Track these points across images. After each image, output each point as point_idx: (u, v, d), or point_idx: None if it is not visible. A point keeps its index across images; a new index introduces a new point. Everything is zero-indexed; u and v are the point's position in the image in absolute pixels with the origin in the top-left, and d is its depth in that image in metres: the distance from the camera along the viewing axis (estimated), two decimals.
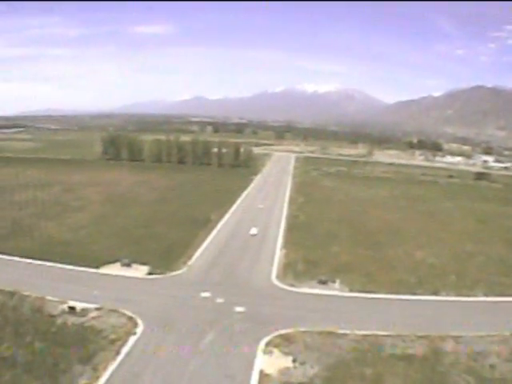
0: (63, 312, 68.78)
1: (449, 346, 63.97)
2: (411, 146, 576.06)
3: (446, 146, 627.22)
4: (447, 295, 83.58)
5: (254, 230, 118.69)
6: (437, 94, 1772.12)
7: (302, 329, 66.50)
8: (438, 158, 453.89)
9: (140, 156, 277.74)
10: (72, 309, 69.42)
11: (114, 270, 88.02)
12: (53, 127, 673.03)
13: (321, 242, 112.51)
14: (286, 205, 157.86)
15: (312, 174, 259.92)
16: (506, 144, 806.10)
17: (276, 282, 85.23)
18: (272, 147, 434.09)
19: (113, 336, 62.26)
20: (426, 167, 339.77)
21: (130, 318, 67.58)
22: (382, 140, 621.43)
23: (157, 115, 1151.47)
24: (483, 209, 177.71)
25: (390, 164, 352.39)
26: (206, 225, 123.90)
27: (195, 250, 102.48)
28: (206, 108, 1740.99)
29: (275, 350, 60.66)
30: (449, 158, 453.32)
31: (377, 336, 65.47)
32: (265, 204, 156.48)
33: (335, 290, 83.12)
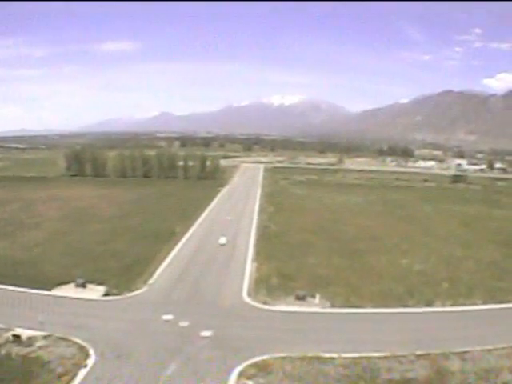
0: (7, 341, 59.37)
1: (454, 364, 55.21)
2: (381, 153, 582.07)
3: (416, 152, 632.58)
4: (442, 305, 75.44)
5: (222, 240, 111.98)
6: (404, 100, 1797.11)
7: (280, 354, 56.80)
8: (410, 164, 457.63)
9: (104, 171, 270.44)
10: (17, 337, 59.93)
11: (68, 291, 78.01)
12: (21, 146, 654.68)
13: (295, 254, 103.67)
14: (255, 215, 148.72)
15: (281, 183, 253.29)
16: (477, 148, 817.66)
17: (247, 300, 75.69)
18: (240, 159, 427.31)
19: (60, 369, 52.46)
20: (399, 172, 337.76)
21: (81, 348, 57.65)
22: (351, 148, 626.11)
23: (125, 132, 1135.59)
24: (465, 211, 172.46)
25: (362, 171, 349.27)
26: (170, 239, 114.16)
27: (157, 266, 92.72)
28: (173, 124, 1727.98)
29: (249, 383, 51.00)
30: (421, 163, 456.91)
31: (369, 359, 56.14)
32: (233, 215, 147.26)
33: (315, 306, 73.96)
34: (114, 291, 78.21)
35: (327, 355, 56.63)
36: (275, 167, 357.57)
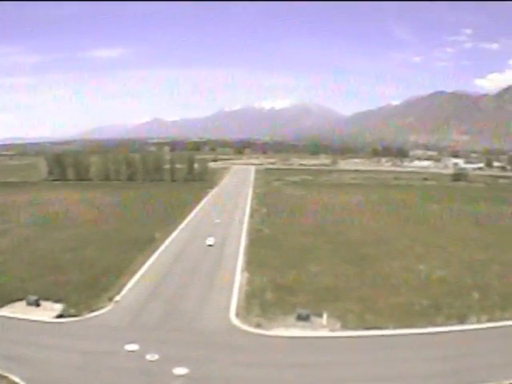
0: None
1: None
2: (375, 153, 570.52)
3: (411, 153, 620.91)
4: (478, 321, 60.08)
5: (210, 240, 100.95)
6: (396, 102, 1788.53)
7: None
8: (406, 163, 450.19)
9: (87, 175, 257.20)
10: None
11: (17, 310, 62.63)
12: (9, 153, 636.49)
13: (293, 261, 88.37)
14: (246, 218, 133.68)
15: (274, 184, 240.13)
16: (471, 148, 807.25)
17: (236, 322, 59.91)
18: (231, 161, 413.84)
19: None
20: (396, 172, 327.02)
21: None
22: (344, 150, 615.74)
23: (117, 139, 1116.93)
24: (475, 210, 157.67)
25: (357, 171, 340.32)
26: (149, 245, 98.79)
27: (129, 278, 77.27)
28: (164, 130, 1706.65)
29: None
30: (417, 163, 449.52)
31: None
32: (222, 218, 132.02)
33: (322, 328, 58.20)
34: (72, 311, 62.63)
35: None
36: (267, 169, 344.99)
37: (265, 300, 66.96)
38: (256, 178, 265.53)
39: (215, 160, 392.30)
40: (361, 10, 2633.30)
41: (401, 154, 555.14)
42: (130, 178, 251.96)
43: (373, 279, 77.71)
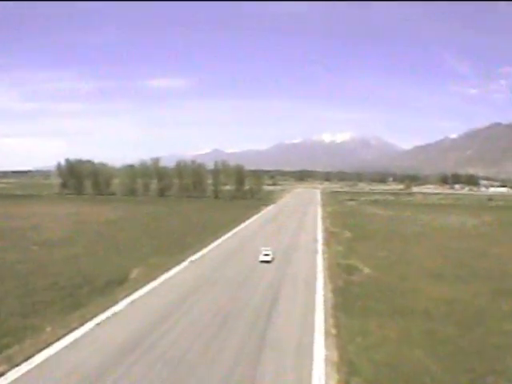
0: None
1: None
2: (445, 181, 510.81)
3: (481, 181, 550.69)
4: None
5: (265, 256, 58.71)
6: (454, 135, 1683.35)
7: None
8: (483, 189, 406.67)
9: (108, 189, 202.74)
10: None
11: None
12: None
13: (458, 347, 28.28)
14: (319, 245, 73.22)
15: (349, 203, 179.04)
16: None
17: None
18: (290, 186, 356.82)
19: None
20: (482, 195, 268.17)
21: None
22: (411, 178, 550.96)
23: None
24: None
25: (439, 194, 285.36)
26: (105, 292, 42.65)
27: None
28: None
29: None
30: (494, 189, 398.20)
31: None
32: (277, 245, 70.41)
33: None
34: None
35: None
36: (334, 191, 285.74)
37: None
38: (324, 198, 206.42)
39: (274, 184, 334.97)
40: (420, 44, 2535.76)
41: (471, 181, 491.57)
42: (162, 194, 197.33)
43: None
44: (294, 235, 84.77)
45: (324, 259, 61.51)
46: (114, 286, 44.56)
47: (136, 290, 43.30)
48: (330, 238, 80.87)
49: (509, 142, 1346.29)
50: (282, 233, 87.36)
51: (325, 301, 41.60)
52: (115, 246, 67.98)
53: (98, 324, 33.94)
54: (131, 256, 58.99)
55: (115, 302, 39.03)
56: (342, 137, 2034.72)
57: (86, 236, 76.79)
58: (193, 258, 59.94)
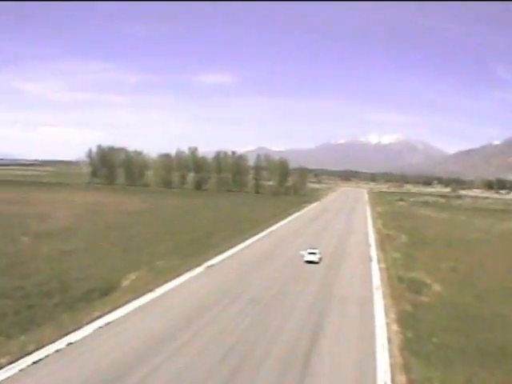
0: None
1: None
2: (489, 186, 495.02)
3: None
4: None
5: (311, 256, 48.26)
6: (497, 142, 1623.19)
7: None
8: None
9: (141, 179, 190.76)
10: None
11: None
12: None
13: None
14: (373, 252, 59.00)
15: (399, 203, 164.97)
16: None
17: None
18: (336, 185, 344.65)
19: None
20: None
21: None
22: (457, 182, 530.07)
23: None
24: None
25: (487, 198, 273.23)
26: (77, 309, 28.99)
27: None
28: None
29: None
30: None
31: None
32: (322, 250, 53.46)
33: None
34: None
35: None
36: (381, 191, 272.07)
37: None
38: (371, 198, 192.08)
39: (318, 182, 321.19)
40: (464, 49, 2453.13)
41: None
42: (199, 187, 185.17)
43: None
44: (342, 237, 70.60)
45: (380, 269, 47.35)
46: (95, 297, 31.77)
47: (118, 306, 30.09)
48: (385, 242, 66.36)
49: None
50: (328, 234, 73.19)
51: (389, 338, 27.79)
52: (125, 241, 55.18)
53: (21, 370, 20.58)
54: (138, 255, 46.34)
55: (78, 327, 25.93)
56: (388, 139, 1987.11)
57: (93, 228, 64.43)
58: (212, 261, 46.36)
